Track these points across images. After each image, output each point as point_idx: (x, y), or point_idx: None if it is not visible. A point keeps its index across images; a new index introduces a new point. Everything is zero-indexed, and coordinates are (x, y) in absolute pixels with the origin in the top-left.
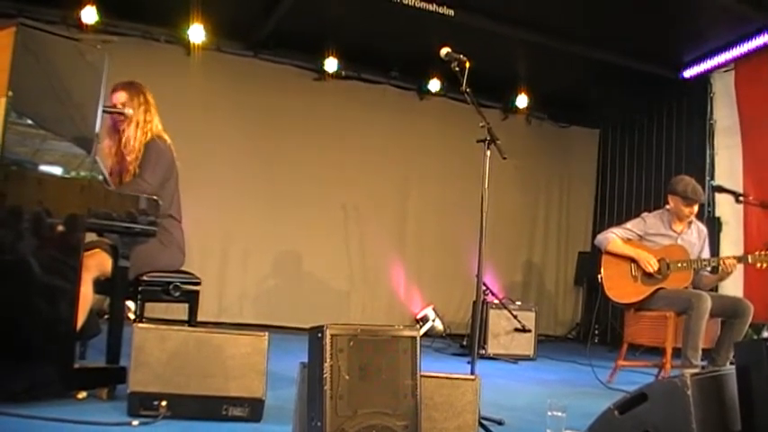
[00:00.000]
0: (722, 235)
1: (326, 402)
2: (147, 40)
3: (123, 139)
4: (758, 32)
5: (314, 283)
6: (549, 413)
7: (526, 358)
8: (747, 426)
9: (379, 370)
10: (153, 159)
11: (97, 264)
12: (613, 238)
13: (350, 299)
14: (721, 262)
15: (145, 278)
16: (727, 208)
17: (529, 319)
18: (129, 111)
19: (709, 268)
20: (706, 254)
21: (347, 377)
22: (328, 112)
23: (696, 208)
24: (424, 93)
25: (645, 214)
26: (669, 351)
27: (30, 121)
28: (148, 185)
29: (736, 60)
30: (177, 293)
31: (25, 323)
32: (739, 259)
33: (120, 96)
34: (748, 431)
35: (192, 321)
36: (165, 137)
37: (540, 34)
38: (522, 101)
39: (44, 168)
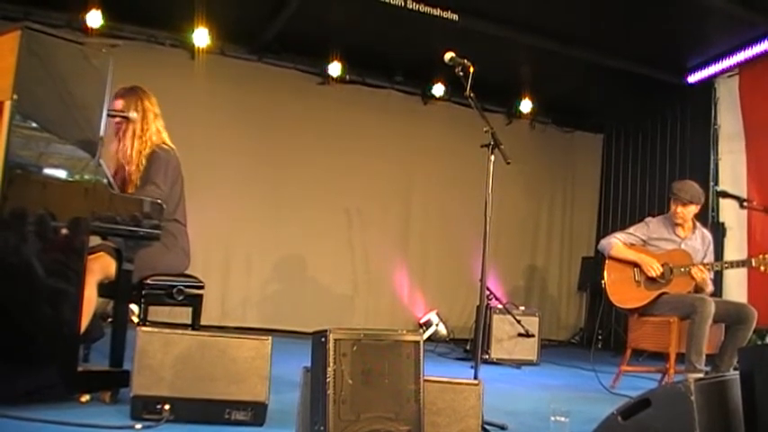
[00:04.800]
0: (726, 240)
1: (329, 407)
2: (151, 43)
3: (120, 147)
4: (763, 38)
5: (317, 287)
6: (553, 418)
7: (529, 363)
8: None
9: (383, 374)
10: (162, 167)
11: (101, 267)
12: (616, 242)
13: (353, 303)
14: (690, 270)
15: (149, 282)
16: (731, 213)
17: (532, 323)
18: (132, 114)
19: (711, 274)
20: (710, 260)
21: (350, 381)
22: (332, 116)
23: (690, 209)
24: (428, 97)
25: (648, 219)
26: (673, 356)
27: (34, 125)
28: (161, 192)
29: (740, 65)
30: (181, 297)
31: (29, 326)
32: (742, 263)
33: (117, 104)
34: None
35: (195, 325)
36: (169, 143)
37: (544, 39)
38: (526, 106)
39: (48, 171)
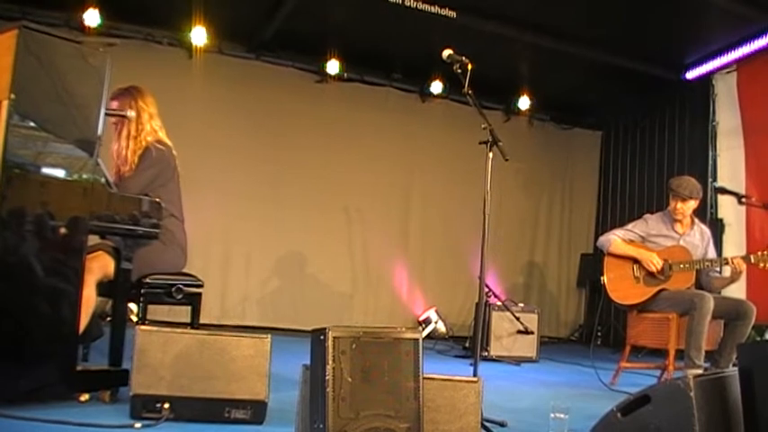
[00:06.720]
0: (725, 236)
1: (329, 404)
2: (149, 42)
3: (117, 148)
4: (760, 34)
5: (316, 285)
6: (552, 415)
7: (529, 360)
8: (750, 428)
9: (382, 372)
10: (142, 167)
11: (100, 266)
12: (615, 239)
13: (353, 301)
14: (730, 261)
15: (147, 280)
16: (729, 209)
17: (531, 320)
18: (130, 113)
19: (718, 269)
20: (711, 255)
21: (350, 379)
22: (330, 114)
23: (690, 205)
24: (426, 95)
25: (647, 215)
26: (672, 353)
27: (32, 124)
28: (127, 190)
29: (738, 62)
30: (180, 296)
31: (28, 325)
32: (742, 259)
33: (113, 106)
34: None
35: (194, 324)
36: (165, 141)
37: (542, 36)
38: (524, 103)
39: (46, 171)
